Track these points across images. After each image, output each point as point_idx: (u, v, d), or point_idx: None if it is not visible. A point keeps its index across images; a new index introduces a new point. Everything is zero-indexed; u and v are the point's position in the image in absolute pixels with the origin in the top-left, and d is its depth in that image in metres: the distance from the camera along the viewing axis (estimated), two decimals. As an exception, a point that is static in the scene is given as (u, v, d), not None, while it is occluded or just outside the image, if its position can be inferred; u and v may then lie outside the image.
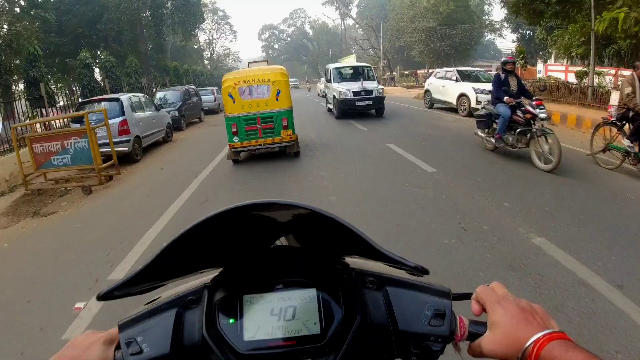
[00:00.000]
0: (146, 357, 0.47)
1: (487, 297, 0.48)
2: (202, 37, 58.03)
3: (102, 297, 0.48)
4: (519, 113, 5.74)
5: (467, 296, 0.52)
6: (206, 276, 0.56)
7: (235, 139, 7.05)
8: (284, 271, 0.54)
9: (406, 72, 37.51)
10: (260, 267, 0.56)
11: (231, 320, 0.50)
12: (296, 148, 7.26)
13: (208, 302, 0.51)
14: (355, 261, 0.56)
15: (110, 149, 7.03)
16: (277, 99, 6.95)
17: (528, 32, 29.72)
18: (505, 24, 30.83)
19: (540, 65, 19.68)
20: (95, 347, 0.48)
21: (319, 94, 17.14)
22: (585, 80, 10.88)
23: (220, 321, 0.49)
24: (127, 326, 0.50)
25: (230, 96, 6.90)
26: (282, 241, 0.60)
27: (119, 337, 0.49)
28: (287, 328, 0.49)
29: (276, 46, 70.57)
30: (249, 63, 11.43)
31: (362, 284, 0.53)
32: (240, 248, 0.57)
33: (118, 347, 0.49)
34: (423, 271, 0.49)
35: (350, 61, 52.43)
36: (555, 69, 17.02)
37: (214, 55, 50.65)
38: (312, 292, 0.51)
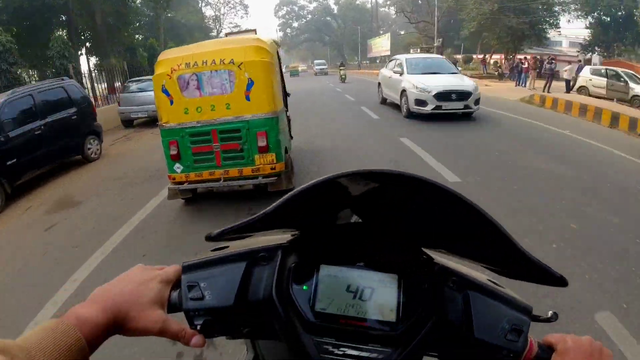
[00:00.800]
0: (207, 304, 0.46)
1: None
2: (209, 12, 52.04)
3: (212, 238, 0.47)
4: None
5: (547, 320, 0.51)
6: (278, 235, 0.54)
7: (177, 167, 3.98)
8: (364, 249, 0.52)
9: (457, 56, 29.17)
10: (339, 240, 0.53)
11: (304, 287, 0.48)
12: (285, 184, 4.06)
13: (281, 263, 0.49)
14: (436, 256, 0.54)
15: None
16: (246, 97, 3.78)
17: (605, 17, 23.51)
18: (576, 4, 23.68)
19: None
20: (153, 283, 0.46)
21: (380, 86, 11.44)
22: None
23: (293, 285, 0.48)
24: (191, 269, 0.49)
25: (165, 92, 3.78)
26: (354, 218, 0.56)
27: (180, 278, 0.48)
28: (361, 308, 0.48)
29: (295, 24, 62.04)
30: (226, 34, 7.73)
31: (443, 282, 0.50)
32: (317, 216, 0.54)
33: (174, 288, 0.48)
34: (562, 282, 0.48)
35: (383, 43, 42.95)
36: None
37: (221, 34, 41.32)
38: (393, 278, 0.49)
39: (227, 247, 0.53)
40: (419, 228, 0.53)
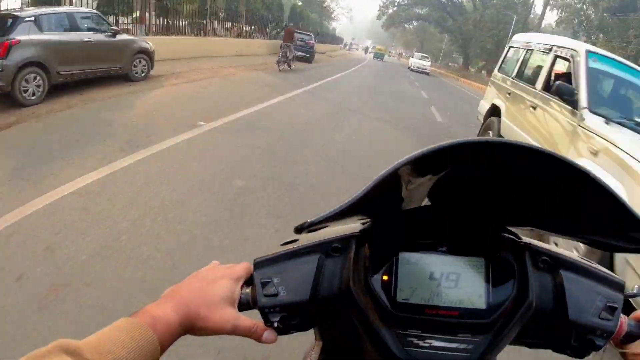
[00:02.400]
0: (282, 301, 0.45)
1: None
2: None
3: (300, 230, 0.44)
4: None
5: (634, 295, 0.49)
6: (348, 225, 0.51)
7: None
8: (443, 233, 0.48)
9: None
10: (415, 225, 0.50)
11: (384, 277, 0.45)
12: None
13: (356, 253, 0.47)
14: (523, 234, 0.50)
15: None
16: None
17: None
18: None
19: None
20: (223, 281, 0.45)
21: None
22: None
23: (371, 276, 0.45)
24: (263, 265, 0.47)
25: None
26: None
27: (252, 275, 0.47)
28: (447, 296, 0.45)
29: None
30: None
31: (533, 263, 0.47)
32: (390, 202, 0.48)
33: (245, 285, 0.47)
34: None
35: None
36: None
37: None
38: (480, 262, 0.46)
39: (297, 240, 0.50)
40: (500, 205, 0.48)
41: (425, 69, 27.73)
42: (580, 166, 0.38)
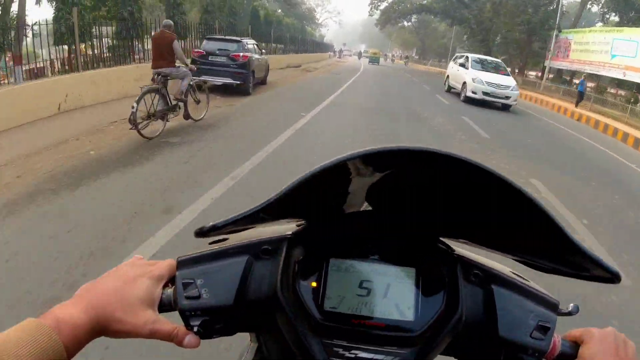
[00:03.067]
0: (205, 304, 0.42)
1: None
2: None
3: (202, 234, 0.42)
4: None
5: (568, 314, 0.49)
6: (282, 226, 0.50)
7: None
8: (376, 241, 0.48)
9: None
10: (350, 230, 0.50)
11: (312, 284, 0.44)
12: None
13: (286, 256, 0.46)
14: (456, 246, 0.50)
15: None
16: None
17: None
18: None
19: None
20: (142, 280, 0.42)
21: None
22: None
23: (300, 281, 0.44)
24: (187, 264, 0.45)
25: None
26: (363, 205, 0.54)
27: (175, 275, 0.44)
28: (376, 306, 0.44)
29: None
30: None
31: (465, 276, 0.47)
32: (325, 204, 0.50)
33: (167, 285, 0.44)
34: (616, 279, 0.42)
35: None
36: None
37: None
38: (411, 272, 0.45)
39: (227, 239, 0.49)
40: (437, 216, 0.48)
41: (508, 97, 11.84)
42: (519, 186, 0.38)
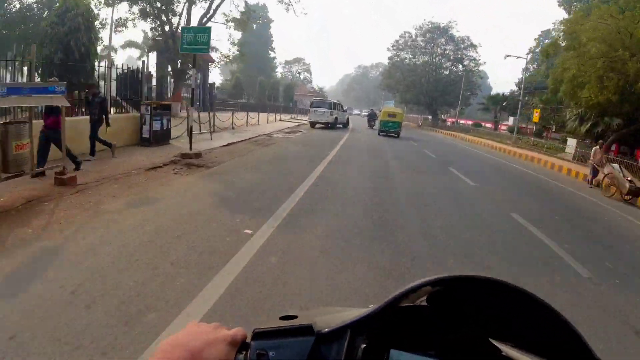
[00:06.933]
0: None
1: None
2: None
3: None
4: None
5: None
6: (346, 312, 0.53)
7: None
8: (432, 335, 0.50)
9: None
10: (408, 323, 0.52)
11: None
12: None
13: (349, 342, 0.47)
14: (504, 347, 0.51)
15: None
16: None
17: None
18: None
19: None
20: (220, 345, 0.45)
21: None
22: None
23: None
24: (262, 336, 0.48)
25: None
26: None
27: (250, 345, 0.48)
28: None
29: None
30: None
31: None
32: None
33: (240, 351, 0.48)
34: None
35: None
36: None
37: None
38: None
39: (297, 317, 0.52)
40: (487, 321, 0.50)
41: None
42: (565, 318, 0.42)
